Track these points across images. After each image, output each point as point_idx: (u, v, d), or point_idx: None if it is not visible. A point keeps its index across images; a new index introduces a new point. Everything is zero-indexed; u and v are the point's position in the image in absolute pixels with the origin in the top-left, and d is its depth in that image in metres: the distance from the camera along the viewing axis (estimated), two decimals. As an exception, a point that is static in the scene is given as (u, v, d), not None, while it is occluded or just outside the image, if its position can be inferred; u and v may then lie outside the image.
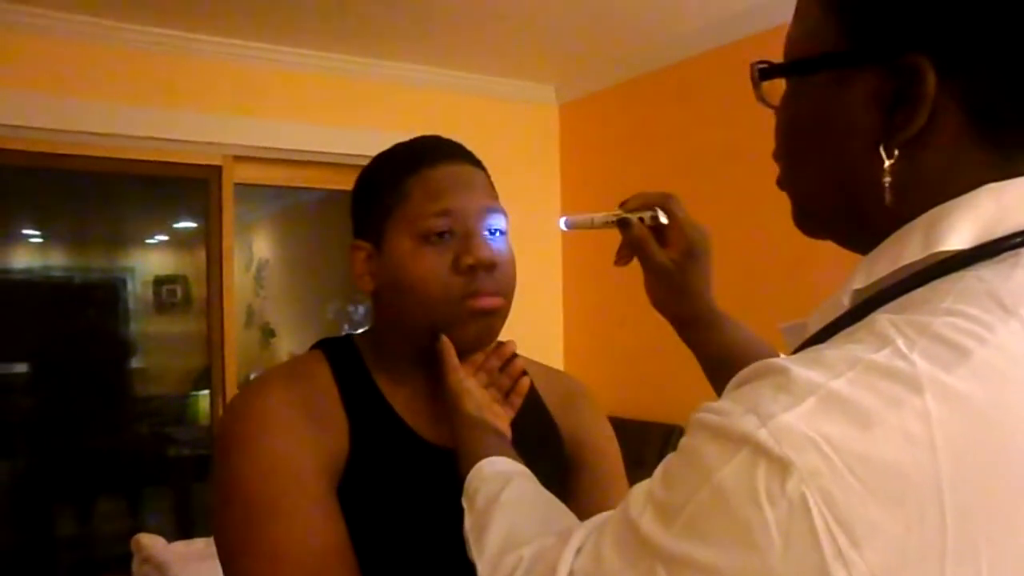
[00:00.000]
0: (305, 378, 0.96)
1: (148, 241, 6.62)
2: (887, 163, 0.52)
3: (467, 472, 0.82)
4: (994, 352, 0.44)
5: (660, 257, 0.94)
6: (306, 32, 2.97)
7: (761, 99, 0.64)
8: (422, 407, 0.98)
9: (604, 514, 0.60)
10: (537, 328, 3.27)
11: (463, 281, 0.90)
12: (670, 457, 0.53)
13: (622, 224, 0.95)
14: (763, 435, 0.45)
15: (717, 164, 3.08)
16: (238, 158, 3.08)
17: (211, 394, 3.13)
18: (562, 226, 0.99)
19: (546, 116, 3.83)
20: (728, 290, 3.50)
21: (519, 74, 3.60)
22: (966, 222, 0.51)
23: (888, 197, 0.53)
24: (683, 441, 0.52)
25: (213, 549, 2.11)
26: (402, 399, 0.98)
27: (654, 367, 3.25)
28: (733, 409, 0.48)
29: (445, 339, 0.92)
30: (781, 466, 0.44)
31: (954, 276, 0.49)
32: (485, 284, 0.92)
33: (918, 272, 0.51)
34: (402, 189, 0.93)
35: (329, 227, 5.70)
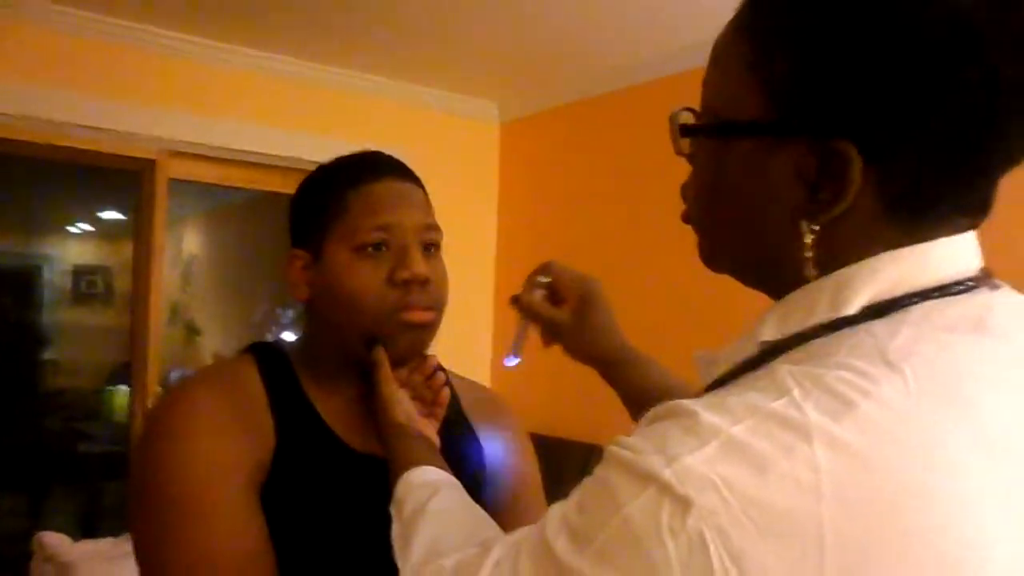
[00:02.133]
0: (233, 381, 0.97)
1: (70, 229, 6.41)
2: (808, 238, 0.55)
3: (396, 480, 0.83)
4: (876, 406, 0.48)
5: (554, 315, 1.02)
6: (250, 31, 2.95)
7: (678, 151, 0.66)
8: (349, 415, 1.00)
9: (523, 530, 0.62)
10: (466, 344, 3.28)
11: (397, 294, 0.93)
12: (585, 483, 0.56)
13: (514, 302, 1.03)
14: (668, 474, 0.48)
15: (656, 192, 3.14)
16: (173, 153, 3.03)
17: (131, 390, 3.05)
18: (507, 364, 1.06)
19: (487, 133, 3.85)
20: (669, 314, 3.59)
21: (462, 89, 3.62)
22: (867, 287, 0.55)
23: (810, 269, 0.56)
24: (597, 470, 0.55)
25: (120, 549, 2.07)
26: (330, 406, 1.00)
27: (576, 387, 3.29)
28: (644, 447, 0.51)
29: (380, 349, 0.95)
30: (683, 504, 0.47)
31: (849, 331, 0.53)
32: (418, 298, 0.95)
33: (820, 325, 0.55)
34: (342, 202, 0.95)
35: (260, 228, 5.63)
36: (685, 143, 0.64)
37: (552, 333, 1.04)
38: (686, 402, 0.53)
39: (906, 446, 0.47)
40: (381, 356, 0.95)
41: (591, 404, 3.31)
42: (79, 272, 6.68)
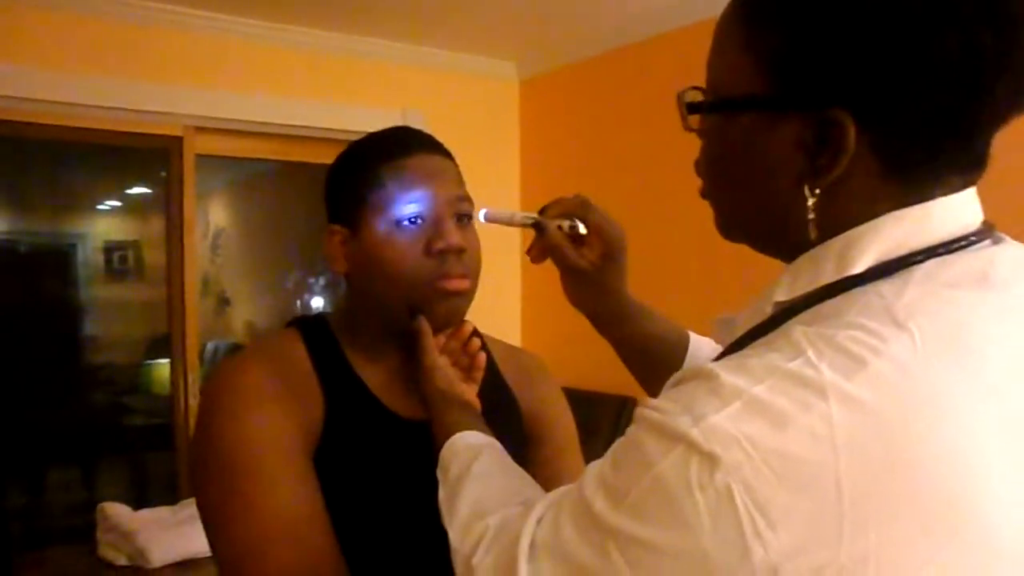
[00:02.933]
0: (282, 355, 1.01)
1: (99, 207, 6.49)
2: (810, 201, 0.59)
3: (441, 446, 0.87)
4: (886, 363, 0.51)
5: (576, 260, 0.99)
6: (267, 4, 2.96)
7: (687, 127, 0.69)
8: (393, 383, 1.03)
9: (561, 489, 0.66)
10: (496, 304, 3.33)
11: (434, 264, 0.96)
12: (618, 443, 0.60)
13: (538, 228, 1.00)
14: (695, 433, 0.52)
15: (677, 145, 3.13)
16: (199, 129, 3.07)
17: (171, 362, 3.13)
18: (480, 218, 1.03)
19: (507, 92, 3.84)
20: (688, 269, 3.61)
21: (480, 50, 3.61)
22: (872, 247, 0.58)
23: (812, 231, 0.60)
24: (629, 431, 0.59)
25: (178, 517, 2.16)
26: (374, 375, 1.03)
27: (606, 342, 3.34)
28: (671, 408, 0.55)
29: (423, 319, 0.98)
30: (710, 461, 0.51)
31: (858, 291, 0.57)
32: (454, 267, 0.98)
33: (830, 285, 0.59)
34: (376, 177, 0.98)
35: (284, 198, 5.67)
36: (694, 119, 0.68)
37: (565, 272, 1.02)
38: (709, 365, 0.57)
39: (914, 400, 0.51)
40: (423, 326, 0.98)
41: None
42: (110, 248, 6.76)
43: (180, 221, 3.06)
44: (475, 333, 1.18)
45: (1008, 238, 0.62)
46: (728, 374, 0.54)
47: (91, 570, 1.99)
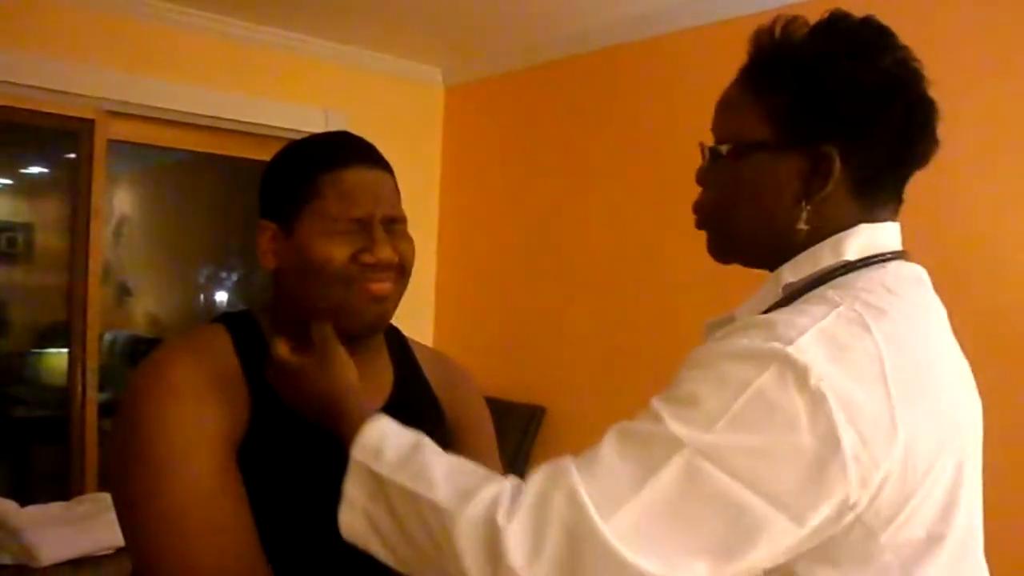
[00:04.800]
0: (210, 350, 1.02)
1: (-11, 187, 6.13)
2: (805, 214, 0.84)
3: (359, 428, 0.87)
4: (895, 311, 0.76)
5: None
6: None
7: (700, 175, 0.92)
8: None
9: (568, 457, 0.74)
10: (409, 313, 3.32)
11: (358, 269, 0.99)
12: (680, 388, 0.73)
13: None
14: (790, 350, 0.69)
15: (600, 161, 3.21)
16: (113, 113, 2.96)
17: (70, 352, 3.01)
18: None
19: (431, 98, 3.85)
20: (609, 280, 3.67)
21: (407, 54, 3.61)
22: (856, 244, 0.83)
23: (806, 235, 0.84)
24: (698, 372, 0.73)
25: (71, 514, 2.07)
26: None
27: (520, 351, 3.39)
28: (754, 341, 0.72)
29: (324, 326, 0.98)
30: (804, 370, 0.68)
31: (856, 273, 0.82)
32: (382, 273, 1.00)
33: (833, 269, 0.82)
34: (315, 184, 1.00)
35: (194, 189, 5.52)
36: (706, 166, 0.91)
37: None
38: (771, 315, 0.76)
39: (919, 342, 0.78)
40: (327, 330, 0.98)
41: (533, 367, 3.41)
42: (-1, 229, 6.36)
43: (87, 206, 2.95)
44: (402, 338, 1.19)
45: (910, 256, 0.88)
46: (794, 316, 0.74)
47: (-25, 568, 1.90)
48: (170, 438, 0.92)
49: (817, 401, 0.67)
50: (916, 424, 0.71)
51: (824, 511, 0.67)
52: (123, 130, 3.03)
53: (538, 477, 0.73)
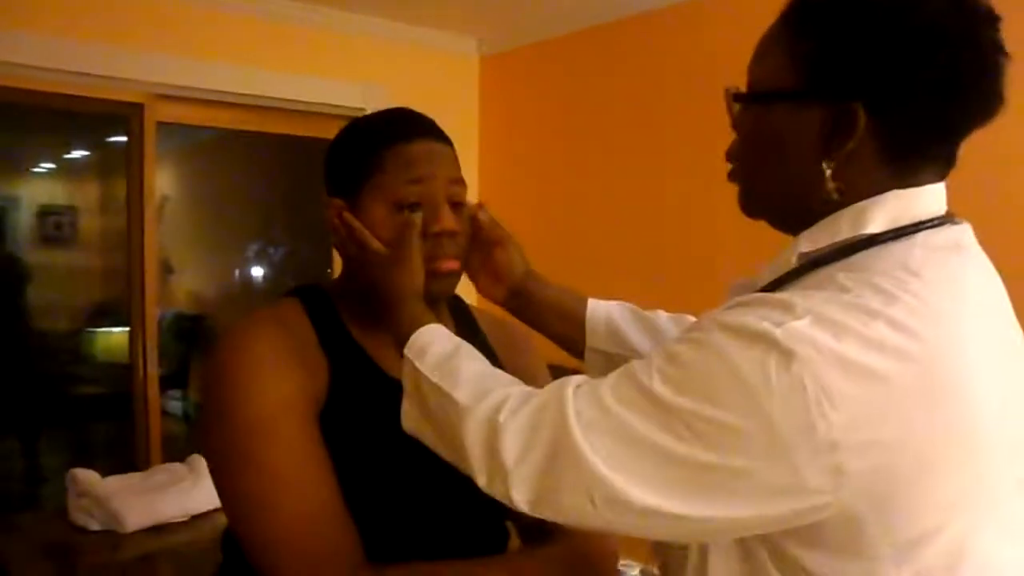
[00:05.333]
0: (287, 322, 1.07)
1: (34, 170, 6.27)
2: (828, 172, 0.76)
3: (411, 329, 0.93)
4: (911, 297, 0.69)
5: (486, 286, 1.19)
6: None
7: (731, 115, 0.85)
8: (387, 348, 1.07)
9: (578, 376, 0.78)
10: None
11: (428, 246, 1.03)
12: (677, 346, 0.73)
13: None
14: (778, 333, 0.66)
15: (638, 128, 3.21)
16: (161, 96, 3.04)
17: (131, 331, 3.12)
18: None
19: (467, 68, 3.87)
20: (642, 247, 3.69)
21: (441, 24, 3.63)
22: (881, 215, 0.76)
23: (831, 194, 0.76)
24: (696, 335, 0.72)
25: (148, 483, 2.17)
26: (370, 340, 1.10)
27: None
28: (748, 318, 0.69)
29: (416, 216, 1.03)
30: (788, 355, 0.65)
31: (879, 248, 0.74)
32: (447, 249, 1.05)
33: (853, 244, 0.76)
34: (379, 160, 1.04)
35: (230, 166, 5.59)
36: (735, 111, 0.85)
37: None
38: (779, 293, 0.73)
39: (931, 322, 0.69)
40: (416, 221, 1.02)
41: None
42: (44, 213, 6.54)
43: (140, 189, 3.04)
44: (462, 303, 1.25)
45: (964, 221, 0.81)
46: (798, 299, 0.70)
47: (65, 535, 2.01)
48: (260, 404, 0.97)
49: (795, 386, 0.65)
50: (912, 419, 0.67)
51: (790, 494, 0.67)
52: (170, 112, 3.11)
53: (545, 388, 0.78)
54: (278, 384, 0.99)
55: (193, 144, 5.80)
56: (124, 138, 5.08)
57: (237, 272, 5.99)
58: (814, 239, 0.78)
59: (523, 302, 1.17)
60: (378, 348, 1.10)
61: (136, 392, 3.10)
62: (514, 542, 1.18)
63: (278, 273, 5.55)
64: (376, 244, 1.02)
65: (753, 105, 0.82)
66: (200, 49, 3.07)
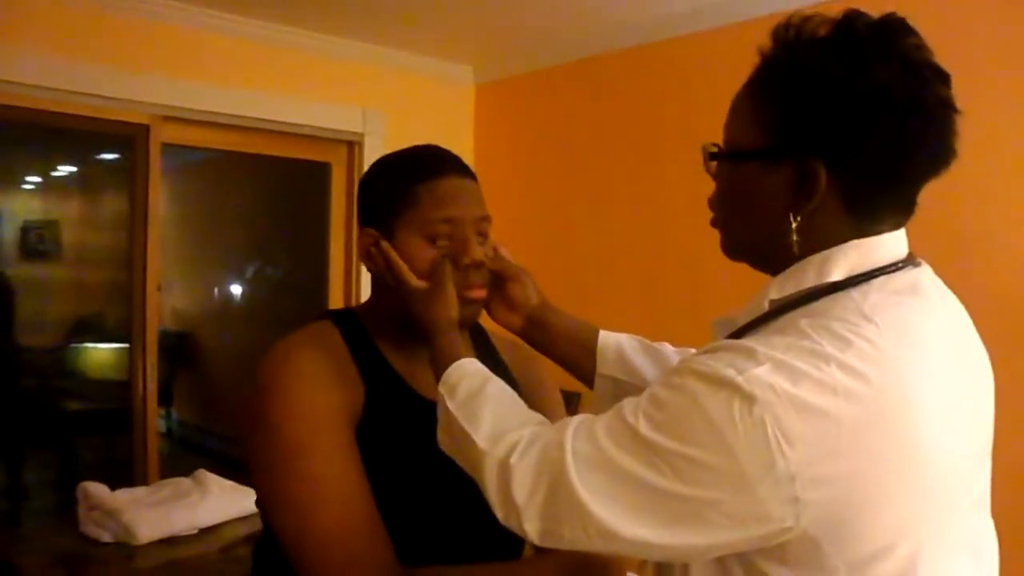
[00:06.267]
0: (324, 342, 1.14)
1: (20, 186, 6.24)
2: (794, 226, 0.84)
3: (447, 363, 1.02)
4: (863, 341, 0.75)
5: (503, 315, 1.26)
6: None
7: (708, 170, 0.93)
8: (415, 367, 1.17)
9: (579, 416, 0.86)
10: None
11: (459, 276, 1.11)
12: (657, 389, 0.81)
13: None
14: (741, 380, 0.74)
15: (629, 159, 3.29)
16: (166, 118, 3.10)
17: (131, 347, 3.15)
18: None
19: (463, 96, 3.96)
20: (635, 276, 3.76)
21: (438, 53, 3.72)
22: (841, 264, 0.83)
23: (796, 247, 0.84)
24: (674, 380, 0.80)
25: (156, 497, 2.22)
26: (399, 361, 1.17)
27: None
28: (717, 365, 0.76)
29: (447, 262, 1.11)
30: (750, 399, 0.73)
31: (839, 295, 0.81)
32: (475, 278, 1.14)
33: (817, 290, 0.83)
34: (413, 195, 1.12)
35: (219, 187, 5.63)
36: (712, 166, 0.93)
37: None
38: (743, 340, 0.80)
39: (883, 366, 0.75)
40: (445, 267, 1.11)
41: None
42: (28, 227, 6.49)
43: (144, 208, 3.09)
44: (479, 326, 1.33)
45: (923, 263, 0.88)
46: (759, 346, 0.77)
47: (77, 546, 2.04)
48: (303, 418, 1.04)
49: (757, 427, 0.72)
50: (860, 454, 0.73)
51: (756, 521, 0.74)
52: (175, 133, 3.17)
53: (551, 428, 0.87)
54: (319, 400, 1.06)
55: (186, 164, 5.83)
56: (114, 155, 5.08)
57: (227, 291, 6.00)
58: (782, 287, 0.86)
59: (538, 330, 1.25)
60: (408, 368, 1.17)
61: (135, 408, 3.13)
62: (528, 549, 1.25)
63: (271, 294, 5.57)
64: (415, 281, 1.10)
65: (727, 161, 0.90)
66: (206, 72, 3.14)
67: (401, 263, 1.11)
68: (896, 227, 0.86)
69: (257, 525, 2.18)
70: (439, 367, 1.03)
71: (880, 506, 0.75)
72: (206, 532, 2.17)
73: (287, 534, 1.04)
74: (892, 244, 0.85)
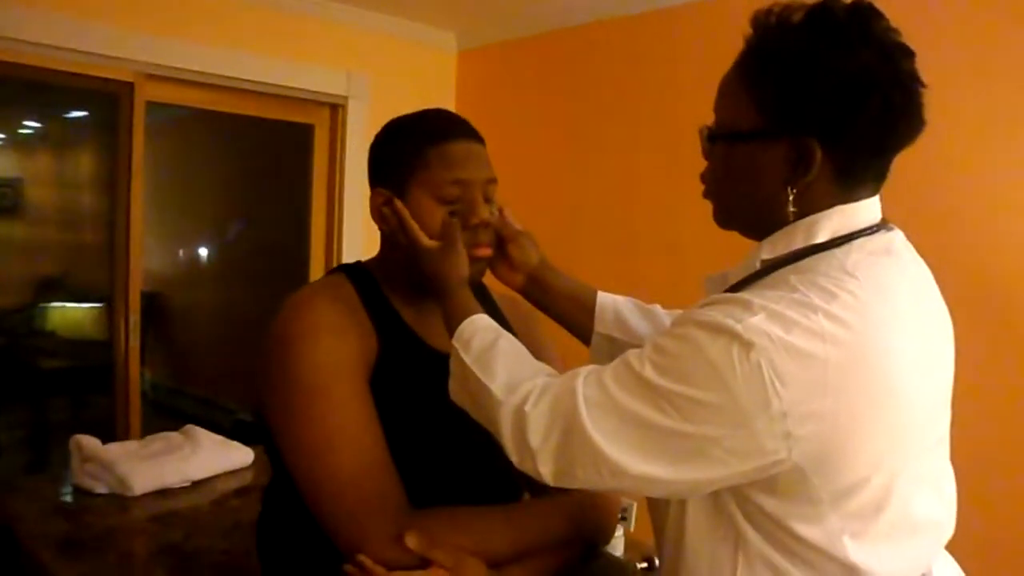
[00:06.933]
0: (339, 294, 1.19)
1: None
2: (791, 197, 0.92)
3: (461, 318, 1.08)
4: (847, 294, 0.84)
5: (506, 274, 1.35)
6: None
7: (705, 152, 1.00)
8: (424, 320, 1.24)
9: (588, 366, 0.92)
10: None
11: (467, 235, 1.18)
12: (661, 338, 0.88)
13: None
14: (739, 328, 0.81)
15: (612, 129, 3.33)
16: (150, 76, 3.08)
17: (113, 305, 3.16)
18: None
19: (445, 62, 3.97)
20: (613, 242, 3.82)
21: (421, 17, 3.71)
22: (827, 226, 0.92)
23: (791, 216, 0.93)
24: (677, 330, 0.87)
25: (148, 450, 2.25)
26: (409, 314, 1.24)
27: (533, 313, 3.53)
28: (716, 315, 0.84)
29: (456, 221, 1.17)
30: (747, 345, 0.80)
31: (824, 254, 0.90)
32: (481, 237, 1.20)
33: (804, 250, 0.91)
34: (423, 156, 1.17)
35: (202, 146, 5.56)
36: (707, 147, 1.00)
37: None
38: (739, 294, 0.88)
39: (865, 316, 0.83)
40: (456, 222, 1.17)
41: (548, 328, 3.54)
42: (-9, 184, 6.31)
43: (128, 167, 3.07)
44: (482, 284, 1.39)
45: (895, 227, 0.97)
46: (755, 298, 0.84)
47: (73, 497, 2.07)
48: (319, 366, 1.08)
49: (754, 370, 0.79)
50: (843, 393, 0.81)
51: (753, 455, 0.82)
52: (159, 92, 3.14)
53: (561, 378, 0.94)
54: (336, 348, 1.10)
55: (163, 122, 5.77)
56: (84, 112, 4.98)
57: (203, 252, 5.95)
58: (774, 247, 0.94)
59: (539, 288, 1.33)
60: (419, 322, 1.23)
61: (117, 367, 3.14)
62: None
63: (249, 255, 5.54)
64: (427, 240, 1.16)
65: (723, 141, 0.97)
66: (190, 31, 3.11)
67: (413, 223, 1.16)
68: (873, 193, 0.95)
69: (247, 479, 2.25)
70: (452, 322, 1.09)
71: (860, 440, 0.83)
72: (198, 484, 2.20)
73: (304, 476, 1.09)
74: (870, 209, 0.94)
